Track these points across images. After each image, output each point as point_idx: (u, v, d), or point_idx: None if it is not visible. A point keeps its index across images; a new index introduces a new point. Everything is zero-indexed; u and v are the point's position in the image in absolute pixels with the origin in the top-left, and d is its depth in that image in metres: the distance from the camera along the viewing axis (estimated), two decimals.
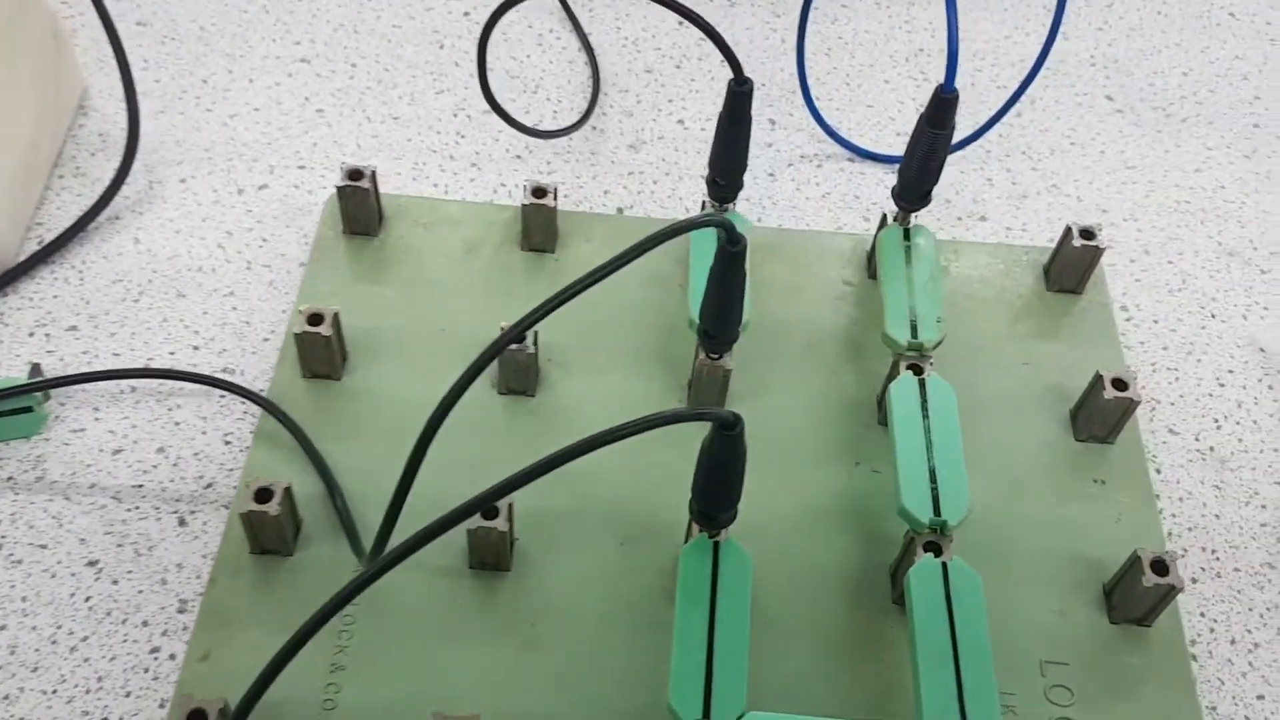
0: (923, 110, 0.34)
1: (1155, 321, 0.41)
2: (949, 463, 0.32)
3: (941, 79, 0.33)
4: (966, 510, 0.31)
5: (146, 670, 0.31)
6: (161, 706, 0.31)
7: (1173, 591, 0.31)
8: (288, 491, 0.31)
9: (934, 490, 0.31)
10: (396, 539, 0.31)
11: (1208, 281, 0.42)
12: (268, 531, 0.31)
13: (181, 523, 0.34)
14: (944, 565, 0.30)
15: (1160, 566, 0.31)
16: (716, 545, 0.30)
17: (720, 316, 0.32)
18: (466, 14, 0.49)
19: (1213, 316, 0.41)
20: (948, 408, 0.33)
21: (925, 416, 0.33)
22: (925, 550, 0.30)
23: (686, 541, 0.30)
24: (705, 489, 0.29)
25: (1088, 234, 0.38)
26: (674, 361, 0.37)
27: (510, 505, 0.31)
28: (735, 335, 0.33)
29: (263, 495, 0.31)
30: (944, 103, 0.34)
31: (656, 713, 0.29)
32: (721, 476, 0.28)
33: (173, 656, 0.31)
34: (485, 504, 0.23)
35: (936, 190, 0.37)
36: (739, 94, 0.34)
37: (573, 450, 0.23)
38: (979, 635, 0.29)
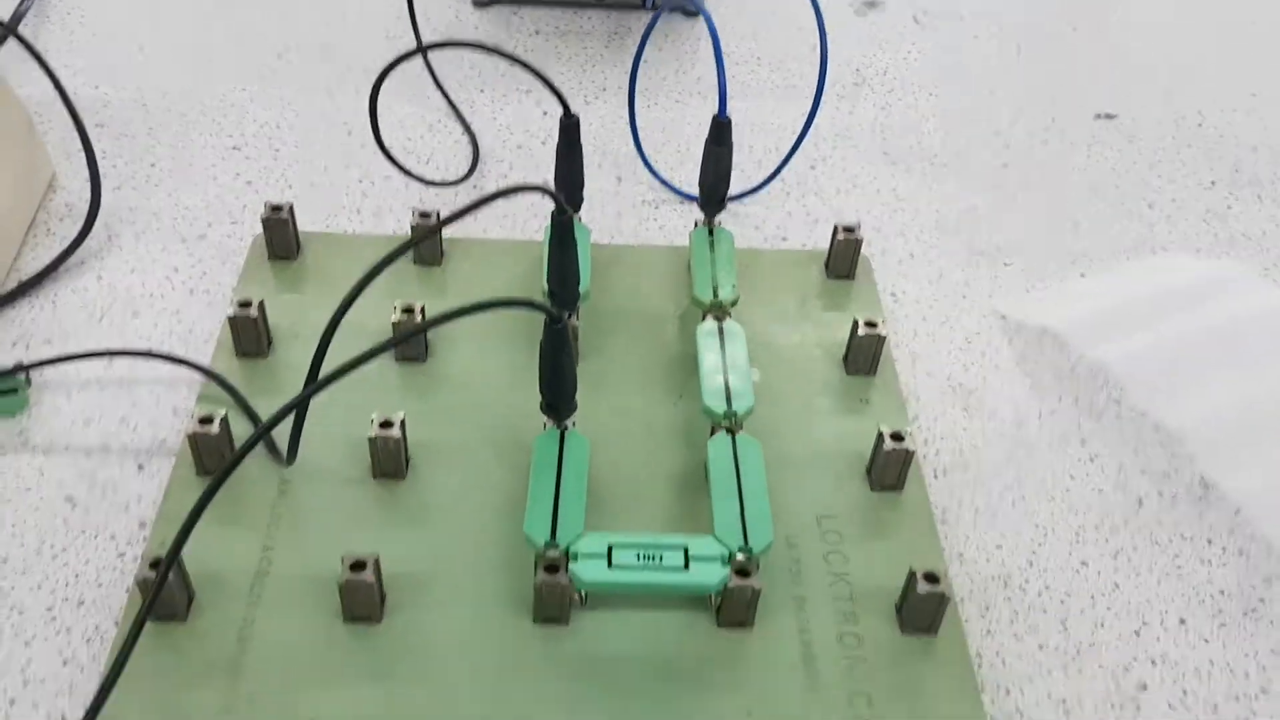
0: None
1: (917, 302, 0.52)
2: (740, 376, 0.42)
3: (747, 143, 0.45)
4: (751, 404, 0.41)
5: (114, 568, 0.39)
6: (127, 591, 0.38)
7: (909, 455, 0.41)
8: (224, 420, 0.40)
9: (727, 393, 0.41)
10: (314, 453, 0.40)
11: (959, 274, 0.53)
12: (210, 451, 0.40)
13: (140, 468, 0.42)
14: (733, 436, 0.40)
15: (898, 436, 0.41)
16: (562, 434, 0.39)
17: (561, 278, 0.42)
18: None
19: (964, 297, 0.52)
20: (739, 342, 0.43)
21: (722, 347, 0.43)
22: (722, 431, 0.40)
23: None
24: (547, 383, 0.38)
25: (849, 229, 0.50)
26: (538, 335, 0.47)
27: (403, 420, 0.40)
28: (576, 295, 0.43)
29: (205, 420, 0.40)
30: (720, 125, 0.45)
31: (520, 547, 0.38)
32: (556, 367, 0.38)
33: (135, 558, 0.39)
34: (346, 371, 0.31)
35: (748, 218, 0.48)
36: (568, 125, 0.44)
37: (416, 327, 0.32)
38: (759, 481, 0.39)
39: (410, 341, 0.45)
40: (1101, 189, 0.59)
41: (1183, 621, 0.40)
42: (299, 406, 0.32)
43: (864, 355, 0.46)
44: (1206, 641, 0.39)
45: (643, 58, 0.50)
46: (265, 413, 0.43)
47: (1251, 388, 0.47)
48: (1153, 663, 0.39)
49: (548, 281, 0.42)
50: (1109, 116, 0.64)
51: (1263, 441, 0.45)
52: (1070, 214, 0.57)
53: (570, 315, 0.43)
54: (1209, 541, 0.42)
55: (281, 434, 0.40)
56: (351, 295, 0.34)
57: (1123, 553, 0.42)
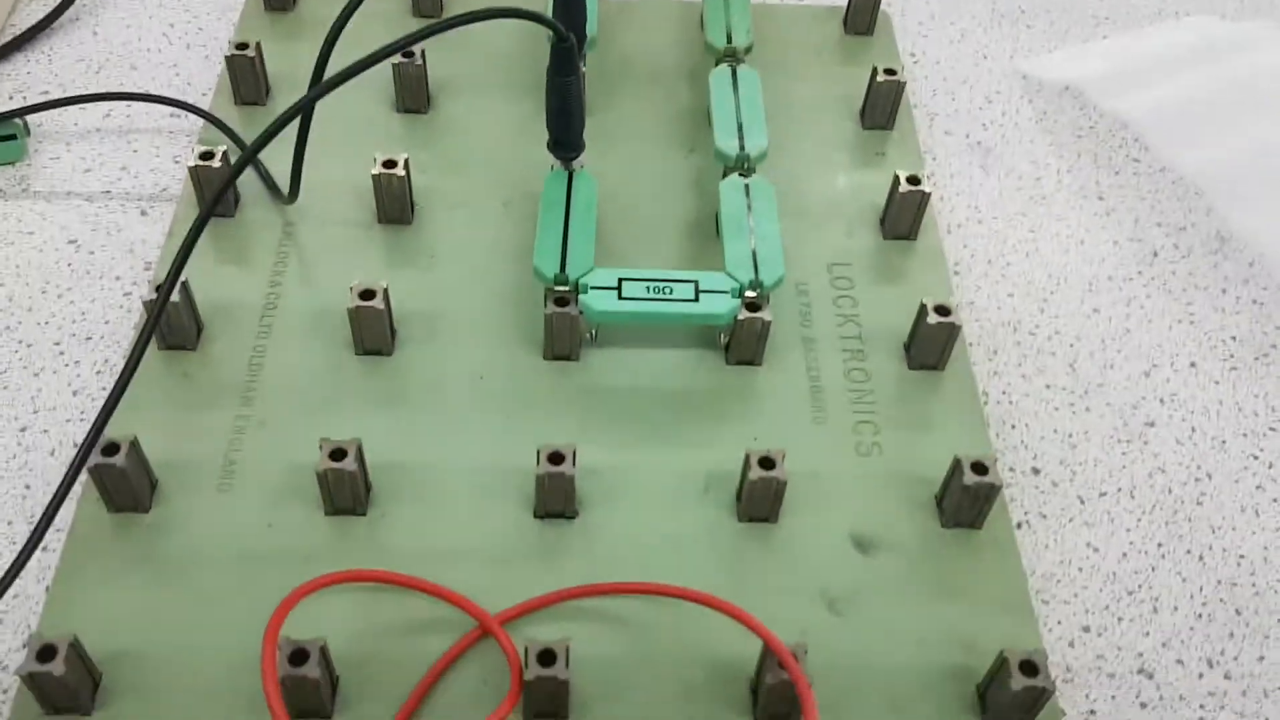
0: None
1: (937, 62, 0.50)
2: (753, 120, 0.41)
3: None
4: (765, 145, 0.40)
5: (120, 306, 0.39)
6: (134, 328, 0.38)
7: (924, 198, 0.40)
8: (225, 155, 0.39)
9: (740, 136, 0.40)
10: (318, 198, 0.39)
11: (982, 35, 0.52)
12: (212, 187, 0.39)
13: (143, 213, 0.42)
14: (746, 179, 0.39)
15: (914, 180, 0.40)
16: (571, 174, 0.39)
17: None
18: None
19: (985, 58, 0.51)
20: (754, 86, 0.42)
21: (736, 90, 0.42)
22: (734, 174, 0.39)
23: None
24: (553, 113, 0.37)
25: None
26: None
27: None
28: (583, 33, 0.41)
29: (206, 155, 0.39)
30: None
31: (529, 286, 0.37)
32: (562, 94, 0.36)
33: (140, 298, 0.39)
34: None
35: None
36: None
37: (408, 38, 0.30)
38: (771, 220, 0.38)
39: (412, 90, 0.44)
40: None
41: (1193, 364, 0.40)
42: (299, 115, 0.31)
43: (881, 106, 0.44)
44: (1216, 383, 0.39)
45: None
46: (269, 158, 0.42)
47: (1271, 136, 0.45)
48: (1161, 402, 0.39)
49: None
50: None
51: None
52: None
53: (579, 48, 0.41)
54: (1223, 291, 0.42)
55: (284, 179, 0.40)
56: (345, 13, 0.33)
57: (1135, 300, 0.42)
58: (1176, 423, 0.38)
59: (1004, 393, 0.39)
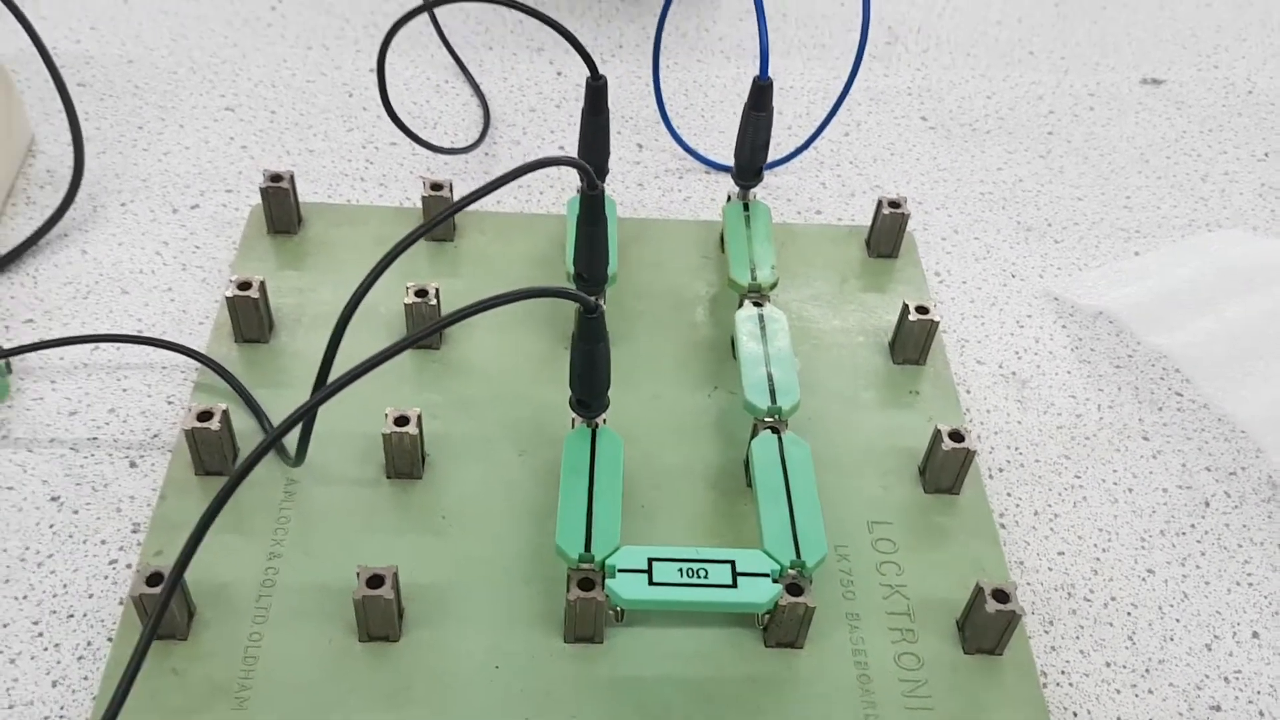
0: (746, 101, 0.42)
1: (964, 282, 0.49)
2: (783, 368, 0.39)
3: (774, 107, 0.41)
4: (797, 400, 0.38)
5: (106, 577, 0.36)
6: (120, 604, 0.35)
7: (969, 455, 0.38)
8: (225, 414, 0.36)
9: (771, 388, 0.38)
10: (323, 451, 0.37)
11: (1008, 251, 0.50)
12: (210, 449, 0.36)
13: (132, 464, 0.39)
14: (779, 436, 0.37)
15: (957, 436, 0.38)
16: (594, 431, 0.36)
17: (588, 258, 0.39)
18: (371, 70, 0.56)
19: (1013, 277, 0.49)
20: (782, 331, 0.40)
21: (763, 336, 0.40)
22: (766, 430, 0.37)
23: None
24: (578, 377, 0.35)
25: (895, 204, 0.46)
26: (560, 321, 0.43)
27: (419, 415, 0.37)
28: (604, 276, 0.39)
29: (204, 415, 0.36)
30: (761, 89, 0.42)
31: (547, 556, 0.35)
32: (589, 361, 0.34)
33: (129, 565, 0.36)
34: (360, 373, 0.28)
35: (779, 190, 0.45)
36: (596, 89, 0.41)
37: (442, 321, 0.29)
38: (809, 488, 0.35)
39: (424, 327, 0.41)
40: (1152, 160, 0.56)
41: (1255, 635, 0.37)
42: (309, 413, 0.29)
43: (913, 343, 0.42)
44: None
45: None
46: (268, 404, 0.39)
47: None
48: (1225, 680, 0.36)
49: (574, 264, 0.39)
50: (1156, 82, 0.61)
51: None
52: (1121, 186, 0.54)
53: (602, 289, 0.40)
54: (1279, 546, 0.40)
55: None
56: (363, 287, 0.31)
57: (1190, 559, 0.39)
58: (1243, 705, 0.35)
59: (1063, 672, 0.36)
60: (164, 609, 0.28)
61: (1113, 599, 0.38)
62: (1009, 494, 0.41)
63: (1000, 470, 0.41)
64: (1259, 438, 0.42)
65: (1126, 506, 0.40)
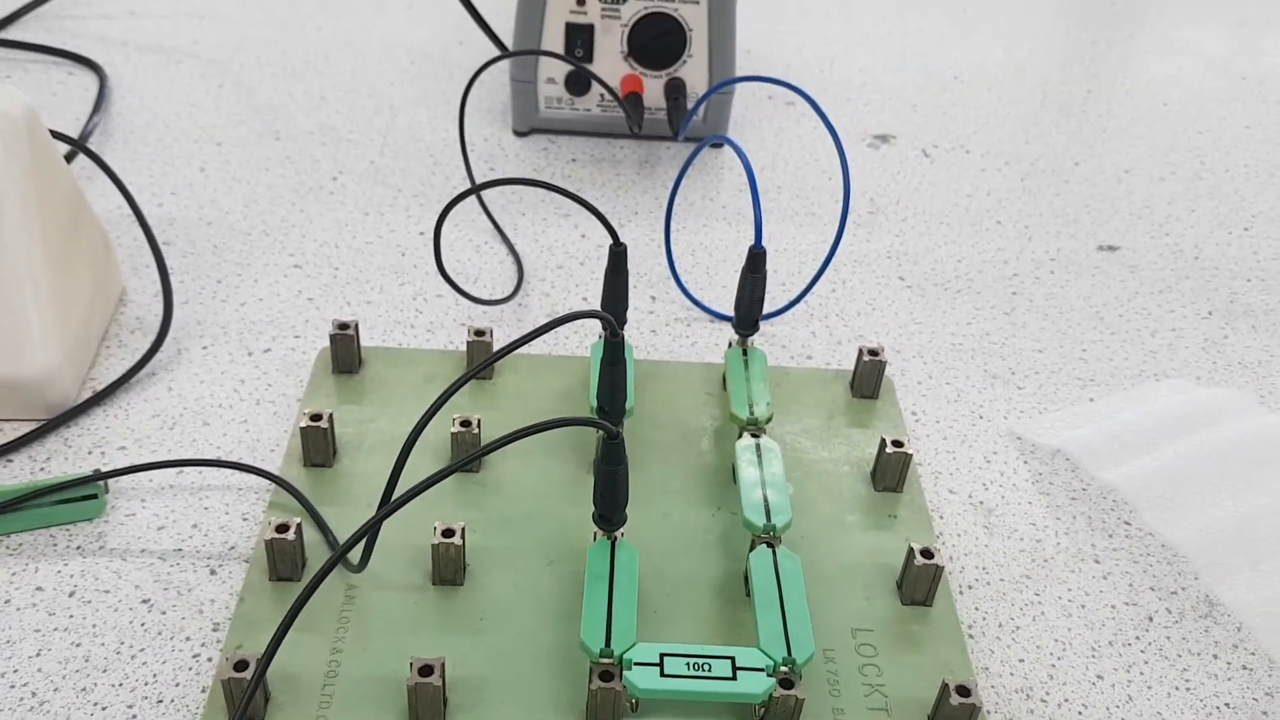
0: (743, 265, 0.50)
1: (937, 421, 0.55)
2: (778, 492, 0.45)
3: (769, 267, 0.49)
4: (790, 518, 0.44)
5: (190, 669, 0.42)
6: (203, 691, 0.41)
7: (939, 570, 0.43)
8: (299, 526, 0.43)
9: (767, 508, 0.44)
10: (377, 559, 0.43)
11: (977, 395, 0.57)
12: (284, 557, 0.43)
13: (212, 572, 0.45)
14: (774, 550, 0.43)
15: (928, 553, 0.44)
16: (614, 543, 0.42)
17: (610, 394, 0.45)
18: (421, 234, 0.64)
19: (981, 418, 0.56)
20: (777, 459, 0.46)
21: (760, 463, 0.46)
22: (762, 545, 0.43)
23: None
24: (601, 495, 0.41)
25: (874, 352, 0.53)
26: (584, 448, 0.50)
27: (463, 528, 0.43)
28: (623, 410, 0.46)
29: (282, 528, 0.42)
30: (755, 256, 0.49)
31: (572, 652, 0.40)
32: (611, 481, 0.41)
33: (210, 659, 0.42)
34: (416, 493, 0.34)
35: (774, 337, 0.52)
36: (617, 253, 0.48)
37: (485, 448, 0.35)
38: (799, 595, 0.41)
39: (467, 453, 0.48)
40: (1106, 317, 0.63)
41: None
42: (376, 525, 0.35)
43: (891, 472, 0.49)
44: None
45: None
46: (332, 520, 0.45)
47: (1248, 507, 0.50)
48: None
49: (597, 398, 0.45)
50: (1111, 248, 0.69)
51: (1261, 559, 0.48)
52: (1077, 340, 0.61)
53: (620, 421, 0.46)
54: (1214, 656, 0.45)
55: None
56: (423, 421, 0.37)
57: (1135, 666, 0.44)
58: None
59: None
60: (254, 692, 0.34)
61: (1066, 700, 0.43)
62: (976, 608, 0.46)
63: (970, 587, 0.47)
64: (1195, 561, 0.48)
65: (1079, 620, 0.46)
